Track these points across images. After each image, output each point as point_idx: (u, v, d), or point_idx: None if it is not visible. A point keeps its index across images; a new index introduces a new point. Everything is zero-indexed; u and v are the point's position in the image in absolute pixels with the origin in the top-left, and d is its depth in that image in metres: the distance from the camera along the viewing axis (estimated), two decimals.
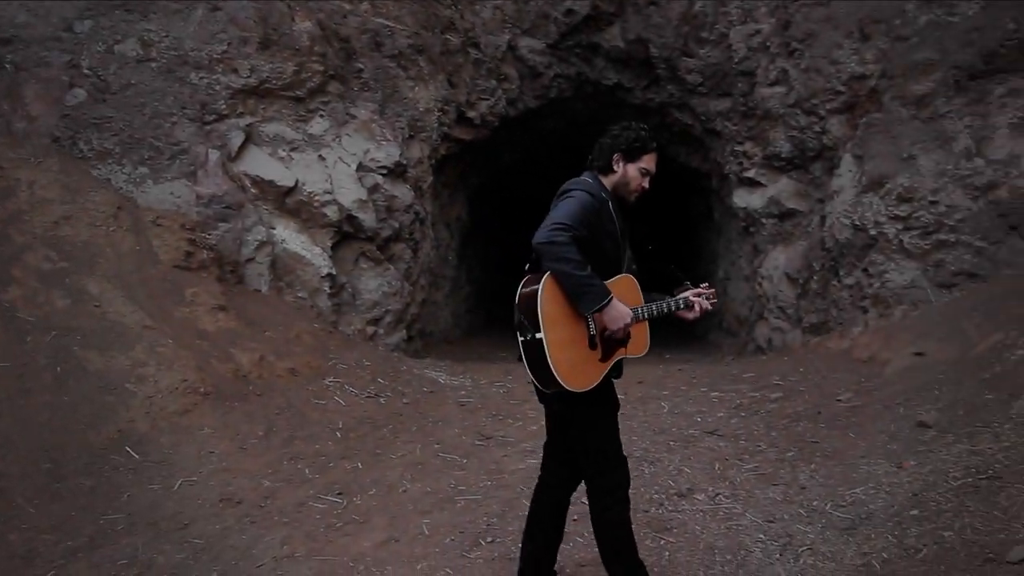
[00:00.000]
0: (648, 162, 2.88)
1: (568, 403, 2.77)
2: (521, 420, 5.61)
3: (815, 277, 7.37)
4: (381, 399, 5.88)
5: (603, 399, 2.83)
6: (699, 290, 2.98)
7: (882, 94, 6.90)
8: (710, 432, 5.01)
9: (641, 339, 2.85)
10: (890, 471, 3.83)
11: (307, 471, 4.46)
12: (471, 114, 9.06)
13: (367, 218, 7.52)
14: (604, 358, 2.73)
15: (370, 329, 7.56)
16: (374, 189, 7.66)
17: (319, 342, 6.56)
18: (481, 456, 4.79)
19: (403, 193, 7.88)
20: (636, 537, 3.00)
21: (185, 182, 6.79)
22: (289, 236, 7.26)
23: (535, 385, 2.73)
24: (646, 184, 2.90)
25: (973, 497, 3.16)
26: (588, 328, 2.67)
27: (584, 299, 2.61)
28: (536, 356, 2.57)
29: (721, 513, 3.76)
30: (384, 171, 7.73)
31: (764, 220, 8.20)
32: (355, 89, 7.93)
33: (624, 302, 2.67)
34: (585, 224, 2.65)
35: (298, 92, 7.54)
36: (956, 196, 6.14)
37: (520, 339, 2.63)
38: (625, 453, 4.61)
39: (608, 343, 2.72)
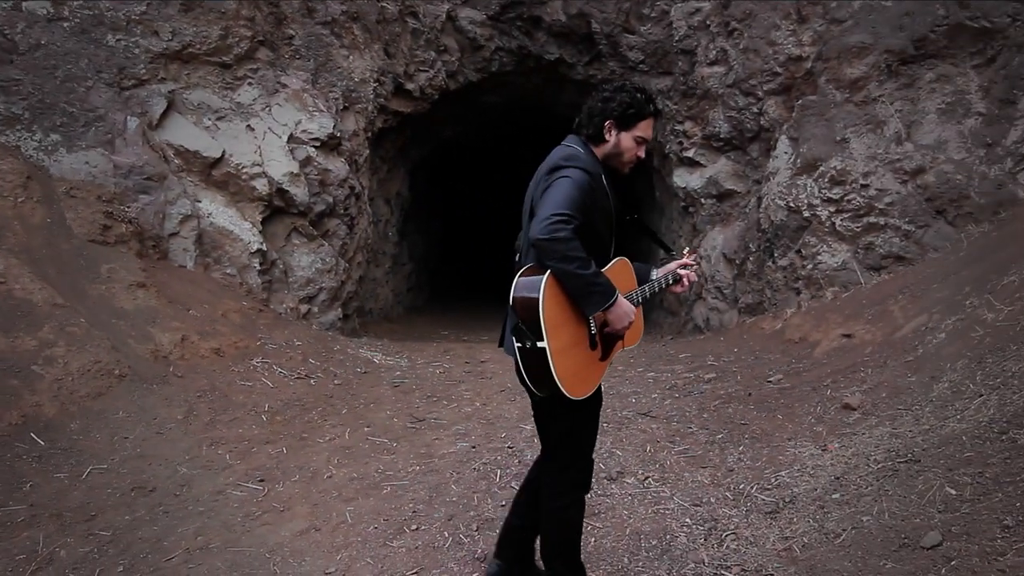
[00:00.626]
0: (645, 129, 2.56)
1: (560, 401, 2.46)
2: (456, 402, 5.52)
3: (751, 258, 7.44)
4: (311, 380, 5.70)
5: (593, 398, 2.60)
6: (684, 261, 2.79)
7: (817, 76, 6.95)
8: (643, 413, 5.01)
9: (637, 327, 2.62)
10: (815, 453, 3.87)
11: (228, 457, 4.28)
12: (409, 86, 8.81)
13: (299, 192, 7.25)
14: (604, 356, 2.54)
15: (303, 307, 7.34)
16: (306, 162, 7.39)
17: (248, 321, 6.32)
18: (412, 440, 4.68)
19: (337, 167, 7.62)
20: None
21: (101, 151, 6.41)
22: (216, 210, 6.95)
23: (526, 384, 2.45)
24: (641, 153, 2.61)
25: (892, 481, 3.21)
26: (588, 327, 2.46)
27: (590, 300, 2.38)
28: (536, 365, 2.34)
29: (649, 497, 3.75)
30: (317, 143, 7.45)
31: (703, 200, 8.24)
32: (286, 57, 7.61)
33: (620, 288, 2.47)
34: (583, 208, 2.37)
35: (224, 58, 7.18)
36: (886, 180, 6.24)
37: (517, 344, 2.37)
38: None
39: (608, 339, 2.54)
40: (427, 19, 8.67)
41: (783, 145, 7.13)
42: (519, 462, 4.26)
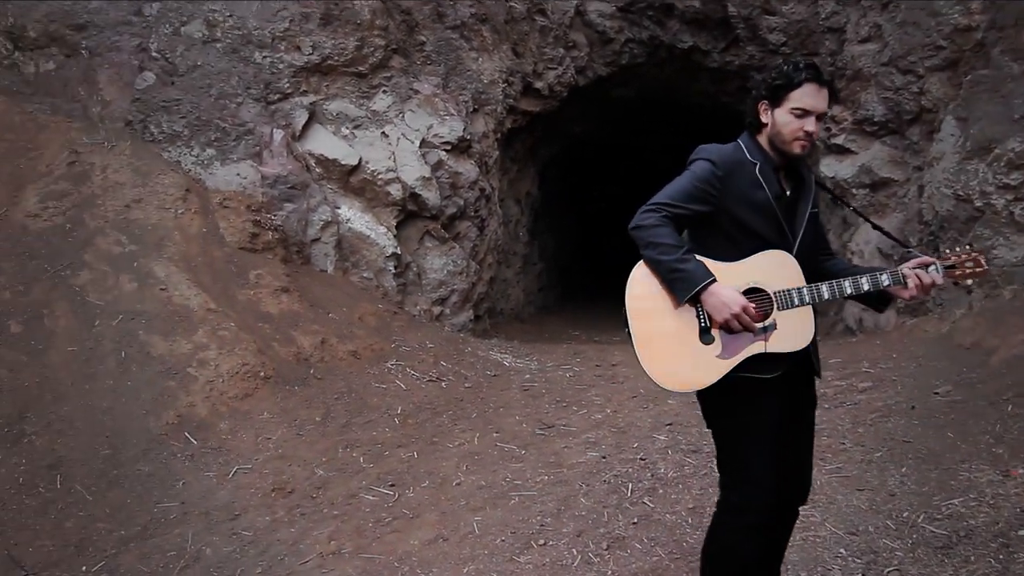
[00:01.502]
0: (800, 99, 2.30)
1: (703, 404, 2.49)
2: (586, 407, 5.37)
3: (912, 253, 6.74)
4: (443, 383, 5.76)
5: (744, 405, 2.36)
6: (923, 259, 2.36)
7: (990, 48, 6.18)
8: None
9: (792, 330, 2.32)
10: (995, 480, 3.40)
11: (361, 460, 4.38)
12: (538, 84, 8.74)
13: (430, 196, 7.36)
14: (725, 353, 2.30)
15: (436, 309, 7.45)
16: (437, 166, 7.49)
17: (383, 323, 6.49)
18: (540, 447, 4.59)
19: (467, 169, 7.68)
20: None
21: (251, 163, 6.80)
22: (354, 215, 7.19)
23: None
24: (808, 127, 2.31)
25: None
26: (699, 319, 2.31)
27: (673, 287, 2.28)
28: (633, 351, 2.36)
29: (798, 522, 3.42)
30: (447, 147, 7.54)
31: (855, 190, 7.58)
32: (418, 63, 7.75)
33: (768, 283, 2.30)
34: (698, 198, 2.32)
35: (360, 68, 7.41)
36: None
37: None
38: (698, 448, 4.36)
39: (731, 335, 2.30)
40: (555, 15, 8.55)
41: (949, 126, 6.40)
42: (652, 475, 4.05)
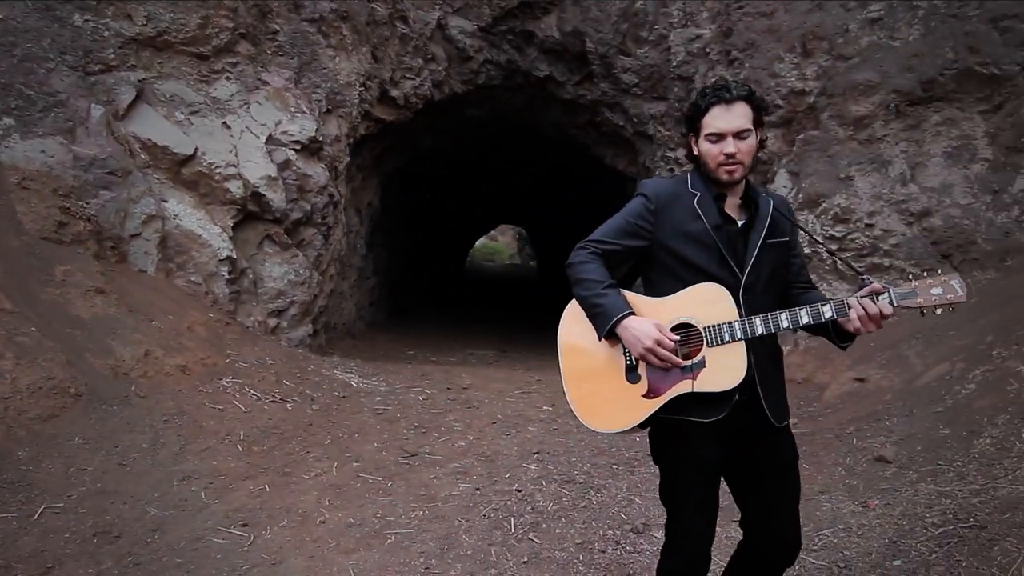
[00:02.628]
0: (711, 124, 2.17)
1: (649, 440, 2.41)
2: (446, 434, 5.10)
3: None
4: (288, 405, 5.20)
5: (679, 449, 2.26)
6: (873, 287, 2.13)
7: (820, 112, 6.85)
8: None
9: (722, 368, 2.14)
10: (856, 511, 3.61)
11: (203, 495, 3.77)
12: (394, 93, 8.40)
13: (276, 197, 6.74)
14: (650, 393, 2.18)
15: (272, 321, 6.80)
16: (285, 165, 6.89)
17: (215, 335, 5.77)
18: (407, 478, 4.25)
19: (317, 172, 7.15)
20: None
21: (60, 139, 5.80)
22: (183, 211, 6.39)
23: None
24: (727, 149, 2.16)
25: (961, 549, 2.96)
26: (625, 356, 2.20)
27: (594, 321, 2.21)
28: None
29: None
30: (297, 146, 6.97)
31: None
32: (268, 53, 7.12)
33: (701, 318, 2.15)
34: (630, 233, 2.26)
35: (202, 49, 6.66)
36: (891, 220, 6.14)
37: None
38: (571, 477, 4.25)
39: (658, 373, 2.17)
40: (417, 25, 8.30)
41: (783, 178, 6.99)
42: (532, 509, 3.88)
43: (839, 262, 6.30)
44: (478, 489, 4.13)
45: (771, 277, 2.27)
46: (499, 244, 43.38)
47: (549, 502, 3.96)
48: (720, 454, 2.26)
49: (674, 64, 8.02)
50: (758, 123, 2.20)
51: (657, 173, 8.55)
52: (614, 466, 4.52)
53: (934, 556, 3.01)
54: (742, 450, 2.27)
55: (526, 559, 3.36)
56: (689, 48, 7.90)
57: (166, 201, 6.33)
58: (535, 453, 4.74)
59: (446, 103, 9.25)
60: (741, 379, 2.16)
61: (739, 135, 2.17)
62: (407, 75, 8.46)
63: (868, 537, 3.34)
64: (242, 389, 5.17)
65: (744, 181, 2.24)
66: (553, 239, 21.80)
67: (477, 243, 31.40)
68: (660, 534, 3.63)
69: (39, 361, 4.19)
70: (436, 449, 4.78)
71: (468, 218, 22.01)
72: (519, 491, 4.10)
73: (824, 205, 6.43)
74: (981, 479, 3.49)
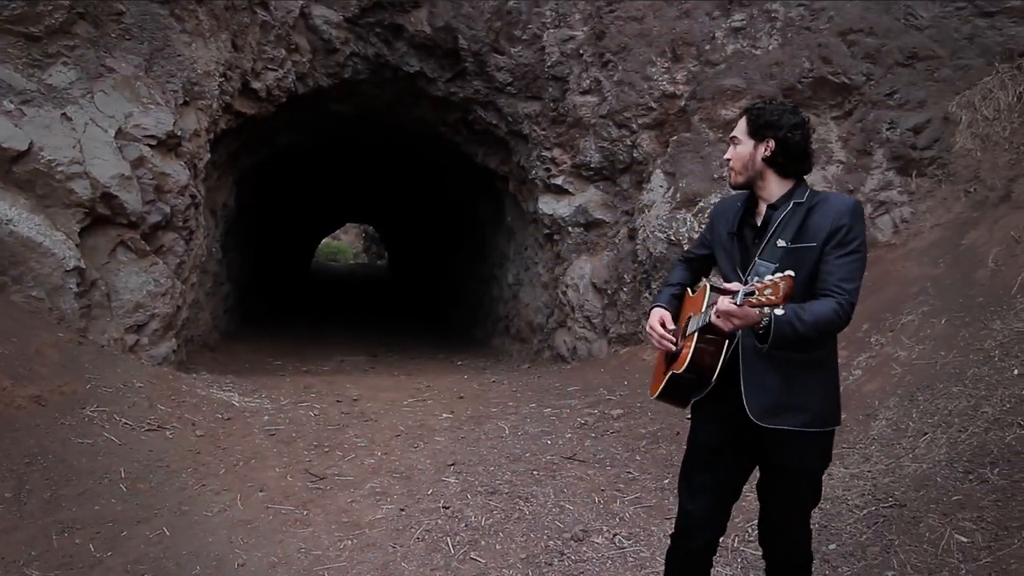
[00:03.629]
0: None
1: None
2: (351, 452, 4.79)
3: (625, 288, 7.46)
4: (167, 432, 4.64)
5: (694, 425, 2.53)
6: (725, 286, 2.18)
7: (691, 115, 7.18)
8: (569, 457, 4.67)
9: (682, 355, 2.37)
10: None
11: (92, 547, 3.24)
12: (256, 85, 7.80)
13: (130, 199, 6.01)
14: (663, 369, 2.49)
15: (131, 338, 6.07)
16: (139, 163, 6.16)
17: (68, 358, 5.05)
18: (323, 504, 3.92)
19: (176, 171, 6.45)
20: None
21: None
22: (18, 216, 5.54)
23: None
24: (727, 156, 2.45)
25: (890, 528, 3.17)
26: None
27: None
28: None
29: (630, 559, 3.41)
30: (153, 142, 6.25)
31: (571, 229, 8.17)
32: (113, 36, 6.33)
33: (693, 313, 2.42)
34: (699, 243, 2.66)
35: (32, 28, 5.81)
36: None
37: None
38: (495, 488, 4.13)
39: (671, 355, 2.45)
40: (279, 12, 7.74)
41: (658, 179, 7.25)
42: (465, 526, 3.71)
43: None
44: (403, 510, 3.89)
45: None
46: (342, 243, 42.12)
47: (481, 517, 3.81)
48: (715, 440, 2.41)
49: (548, 64, 8.08)
50: (753, 134, 2.34)
51: (533, 172, 8.59)
52: (534, 472, 4.44)
53: (865, 537, 3.21)
54: (738, 443, 2.36)
55: None
56: (563, 49, 7.99)
57: None
58: (451, 465, 4.57)
59: (309, 97, 8.73)
60: (686, 367, 2.33)
61: (732, 140, 2.43)
62: (269, 66, 7.88)
63: None
64: (111, 418, 4.55)
65: (772, 185, 2.35)
66: (407, 238, 21.43)
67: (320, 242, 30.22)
68: (600, 539, 3.61)
69: None
70: (345, 469, 4.47)
71: (317, 217, 21.12)
72: (446, 508, 3.92)
73: (701, 204, 6.74)
74: (885, 459, 3.78)
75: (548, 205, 8.37)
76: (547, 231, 8.59)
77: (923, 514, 3.16)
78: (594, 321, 7.85)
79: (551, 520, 3.80)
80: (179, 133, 6.46)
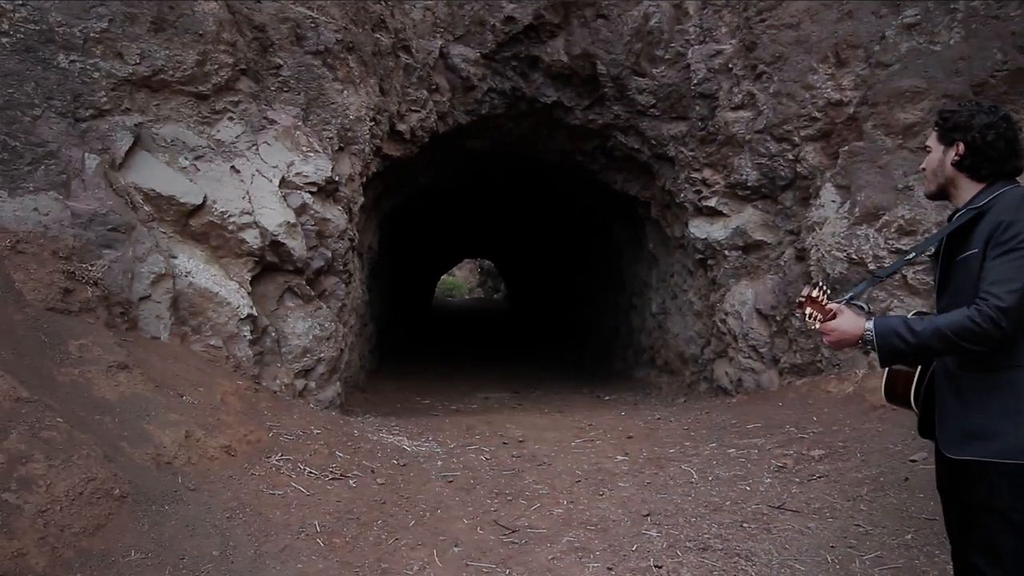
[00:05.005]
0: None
1: None
2: (535, 500, 4.51)
3: (797, 313, 6.88)
4: (351, 481, 4.54)
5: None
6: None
7: (863, 122, 6.60)
8: (778, 507, 4.19)
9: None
10: None
11: None
12: (401, 127, 7.87)
13: (296, 245, 6.10)
14: None
15: (299, 383, 6.11)
16: (302, 210, 6.27)
17: (248, 405, 5.08)
18: (523, 561, 3.65)
19: (335, 215, 6.53)
20: None
21: (55, 195, 5.10)
22: (195, 267, 5.70)
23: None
24: (922, 165, 2.42)
25: None
26: None
27: None
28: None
29: None
30: (313, 188, 6.36)
31: (727, 252, 7.68)
32: (272, 89, 6.52)
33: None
34: None
35: (201, 88, 6.03)
36: None
37: None
38: (705, 543, 3.73)
39: None
40: (419, 55, 7.81)
41: (829, 193, 6.68)
42: None
43: (898, 275, 5.99)
44: (610, 569, 3.56)
45: (961, 291, 2.15)
46: (457, 279, 42.86)
47: None
48: (939, 481, 2.36)
49: (695, 82, 7.72)
50: (942, 138, 2.29)
51: (681, 195, 8.19)
52: (743, 524, 4.00)
53: None
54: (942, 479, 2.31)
55: None
56: (710, 64, 7.61)
57: (175, 257, 5.64)
58: (646, 515, 4.20)
59: (448, 136, 8.76)
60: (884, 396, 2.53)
61: (925, 148, 2.40)
62: (413, 108, 7.94)
63: None
64: (296, 467, 4.49)
65: (964, 191, 2.25)
66: (529, 270, 21.37)
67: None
68: None
69: (74, 459, 3.46)
70: (534, 521, 4.19)
71: (441, 253, 21.47)
72: (659, 567, 3.55)
73: (885, 218, 6.13)
74: None
75: (700, 228, 7.93)
76: (699, 256, 8.13)
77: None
78: (761, 350, 7.29)
79: None
80: (336, 179, 6.55)
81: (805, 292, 2.33)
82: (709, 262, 8.02)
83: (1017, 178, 2.19)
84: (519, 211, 15.10)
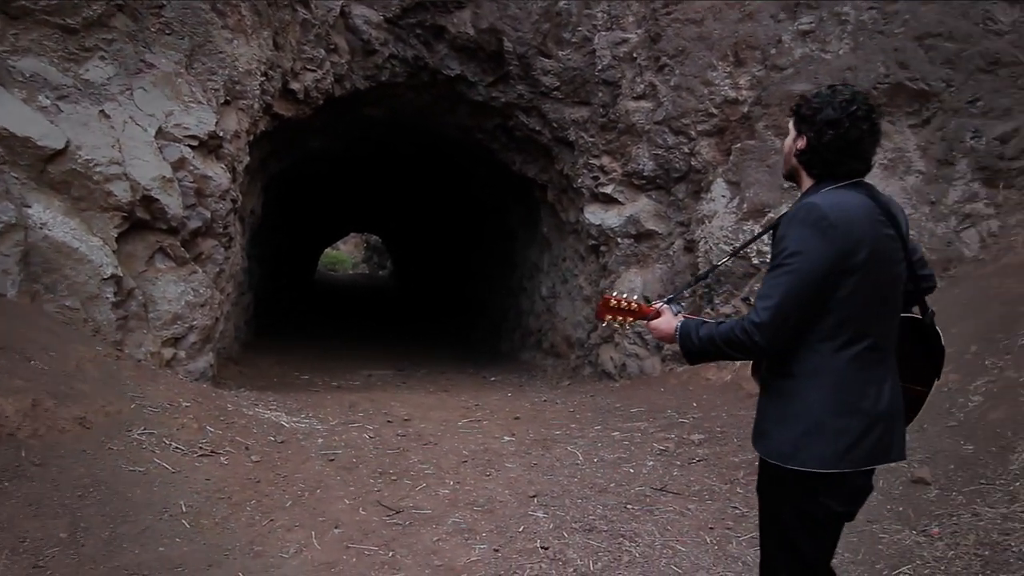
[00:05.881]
0: None
1: None
2: (419, 480, 4.38)
3: (683, 303, 7.08)
4: (222, 458, 4.23)
5: None
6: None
7: (756, 121, 6.84)
8: (660, 489, 4.27)
9: None
10: (921, 542, 3.39)
11: None
12: (295, 86, 7.43)
13: (171, 202, 5.62)
14: None
15: (168, 352, 5.66)
16: (180, 165, 5.78)
17: (108, 374, 4.64)
18: (407, 543, 3.51)
19: (218, 174, 6.07)
20: None
21: None
22: (53, 219, 5.14)
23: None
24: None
25: None
26: None
27: None
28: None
29: None
30: (194, 142, 5.87)
31: (620, 240, 7.80)
32: (152, 30, 5.95)
33: None
34: None
35: (70, 20, 5.44)
36: None
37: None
38: (591, 525, 3.74)
39: None
40: (319, 11, 7.39)
41: (720, 188, 6.90)
42: (574, 571, 3.31)
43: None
44: (497, 550, 3.49)
45: None
46: (341, 253, 41.75)
47: (587, 560, 3.41)
48: None
49: (599, 68, 7.74)
50: (796, 124, 2.17)
51: (579, 180, 8.23)
52: (628, 506, 4.05)
53: None
54: None
55: None
56: (615, 52, 7.65)
57: (29, 207, 5.05)
58: (533, 497, 4.17)
59: (344, 100, 8.37)
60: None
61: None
62: (308, 67, 7.51)
63: (955, 572, 3.11)
64: (161, 442, 4.13)
65: (803, 185, 2.18)
66: (419, 248, 21.05)
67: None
68: None
69: None
70: (419, 501, 4.06)
71: (326, 225, 20.73)
72: (545, 548, 3.51)
73: (770, 215, 6.38)
74: None
75: (595, 215, 8.00)
76: (592, 242, 8.21)
77: None
78: (646, 337, 7.46)
79: (666, 564, 3.40)
80: (221, 134, 6.08)
81: (606, 299, 2.42)
82: (601, 248, 8.12)
83: (858, 179, 2.09)
84: (414, 186, 14.78)
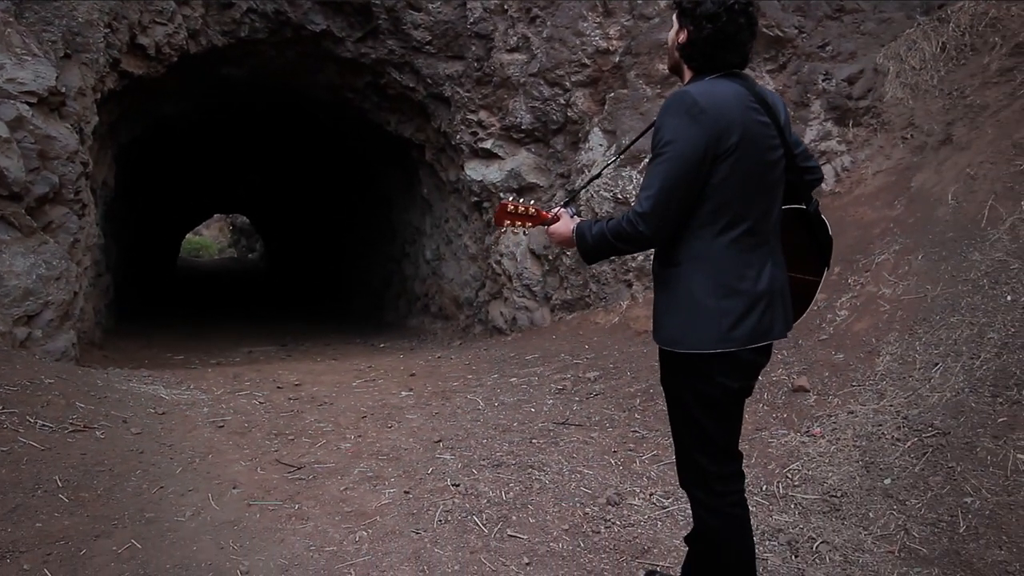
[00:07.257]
0: None
1: None
2: (319, 437, 4.24)
3: (569, 252, 7.21)
4: (97, 432, 3.89)
5: None
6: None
7: (627, 71, 7.01)
8: (562, 423, 4.36)
9: None
10: (806, 441, 3.65)
11: (47, 572, 2.57)
12: (143, 40, 6.84)
13: (12, 165, 5.05)
14: None
15: (21, 331, 5.12)
16: (18, 124, 5.19)
17: None
18: (314, 495, 3.38)
19: (63, 134, 5.51)
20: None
21: None
22: None
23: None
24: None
25: (944, 455, 3.09)
26: None
27: None
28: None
29: (681, 518, 3.14)
30: (32, 99, 5.29)
31: (502, 195, 7.80)
32: None
33: None
34: None
35: None
36: None
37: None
38: (499, 460, 3.75)
39: None
40: None
41: (597, 137, 7.04)
42: (487, 503, 3.31)
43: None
44: (407, 492, 3.43)
45: None
46: (205, 239, 39.52)
47: (499, 491, 3.43)
48: None
49: (471, 21, 7.64)
50: (679, 20, 2.19)
51: (457, 137, 8.14)
52: (533, 440, 4.10)
53: (920, 468, 3.11)
54: None
55: (527, 560, 2.82)
56: (486, 4, 7.58)
57: None
58: (438, 442, 4.13)
59: (201, 58, 7.81)
60: None
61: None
62: (158, 19, 6.93)
63: (841, 465, 3.37)
64: (24, 420, 3.75)
65: (685, 79, 2.24)
66: (290, 225, 20.22)
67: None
68: (638, 501, 3.33)
69: None
70: (321, 456, 3.92)
71: (187, 206, 19.47)
72: (456, 485, 3.49)
73: (645, 160, 6.57)
74: (902, 393, 3.73)
75: (476, 171, 7.96)
76: (475, 199, 8.18)
77: (974, 439, 3.10)
78: (534, 289, 7.55)
79: (576, 487, 3.47)
80: (63, 90, 5.52)
81: (503, 205, 2.44)
82: (484, 205, 8.10)
83: (738, 70, 2.15)
84: (281, 157, 14.11)
